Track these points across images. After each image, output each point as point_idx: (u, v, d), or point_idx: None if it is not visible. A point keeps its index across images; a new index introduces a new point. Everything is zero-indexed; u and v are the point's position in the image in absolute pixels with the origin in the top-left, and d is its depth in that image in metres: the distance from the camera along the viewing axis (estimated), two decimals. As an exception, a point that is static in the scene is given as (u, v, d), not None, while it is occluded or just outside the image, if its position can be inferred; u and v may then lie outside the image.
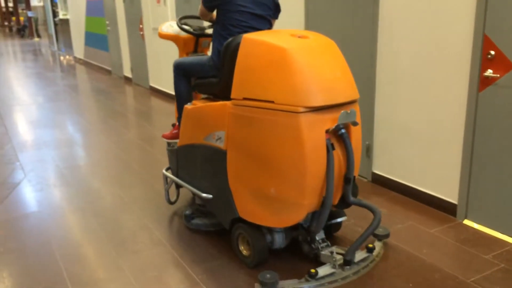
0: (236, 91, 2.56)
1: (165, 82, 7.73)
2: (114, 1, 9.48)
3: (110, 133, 5.59)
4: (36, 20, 22.86)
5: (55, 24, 16.25)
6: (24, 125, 6.10)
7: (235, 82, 2.57)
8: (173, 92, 4.20)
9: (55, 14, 16.45)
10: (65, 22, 14.31)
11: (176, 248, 2.94)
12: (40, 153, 4.88)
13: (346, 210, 3.06)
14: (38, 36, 22.63)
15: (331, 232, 3.02)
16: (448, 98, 3.16)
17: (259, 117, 2.45)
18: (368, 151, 3.87)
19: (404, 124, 3.52)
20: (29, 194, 3.83)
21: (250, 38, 2.54)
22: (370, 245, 2.74)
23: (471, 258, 2.76)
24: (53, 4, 16.54)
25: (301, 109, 2.32)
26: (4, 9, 31.63)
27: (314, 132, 2.35)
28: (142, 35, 8.38)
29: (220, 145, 2.72)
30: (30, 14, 22.18)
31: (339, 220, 2.90)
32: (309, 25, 4.22)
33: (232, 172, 2.67)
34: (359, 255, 2.68)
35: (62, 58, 14.26)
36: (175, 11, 6.94)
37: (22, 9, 26.05)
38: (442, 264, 2.69)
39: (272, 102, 2.39)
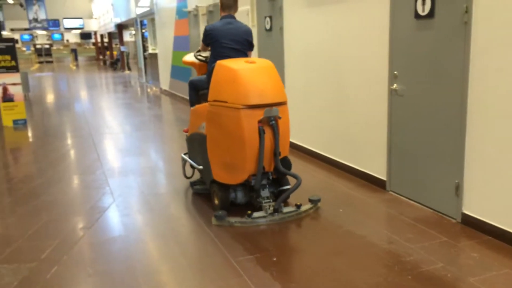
0: (210, 96, 3.98)
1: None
2: (199, 37, 9.97)
3: (191, 162, 5.78)
4: (128, 54, 24.59)
5: (145, 58, 17.38)
6: (114, 152, 6.50)
7: (210, 91, 3.98)
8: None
9: (145, 48, 17.63)
10: (154, 56, 15.26)
11: (254, 280, 2.92)
12: (127, 180, 5.15)
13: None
14: (129, 69, 24.27)
15: (283, 199, 3.98)
16: (550, 135, 2.90)
17: (220, 112, 3.85)
18: (457, 190, 3.63)
19: (500, 161, 3.27)
20: (116, 219, 4.03)
21: (219, 63, 3.93)
22: (298, 203, 3.96)
23: None
24: (144, 40, 17.76)
25: (241, 106, 3.67)
26: (100, 44, 34.48)
27: (250, 121, 3.68)
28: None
29: (203, 131, 4.13)
30: (122, 49, 23.92)
31: (284, 187, 4.07)
32: (393, 61, 4.15)
33: (209, 149, 4.04)
34: (288, 209, 3.91)
35: (149, 89, 15.16)
36: (256, 44, 7.13)
37: (116, 44, 28.19)
38: (546, 320, 2.42)
39: (226, 102, 3.77)
